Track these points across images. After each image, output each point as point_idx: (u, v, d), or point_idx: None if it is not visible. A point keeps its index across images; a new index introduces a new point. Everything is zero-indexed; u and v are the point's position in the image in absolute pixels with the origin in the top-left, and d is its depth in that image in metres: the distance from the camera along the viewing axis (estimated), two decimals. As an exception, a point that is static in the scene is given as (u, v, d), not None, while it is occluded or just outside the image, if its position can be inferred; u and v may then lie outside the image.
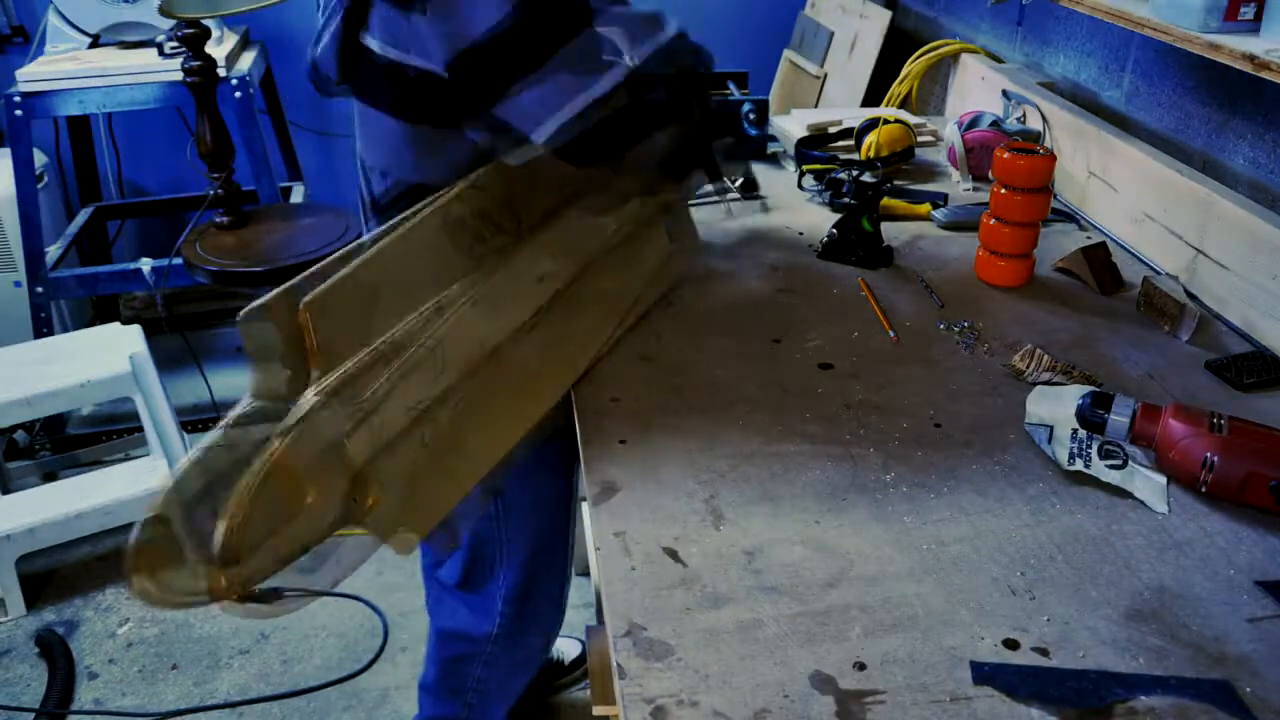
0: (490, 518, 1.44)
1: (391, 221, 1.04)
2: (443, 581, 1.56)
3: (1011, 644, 0.85)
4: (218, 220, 2.44)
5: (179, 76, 2.34)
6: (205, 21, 2.26)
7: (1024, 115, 1.94)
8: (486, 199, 1.10)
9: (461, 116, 1.11)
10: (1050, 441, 1.09)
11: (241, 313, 0.92)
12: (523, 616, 1.55)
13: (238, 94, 2.56)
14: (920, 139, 2.01)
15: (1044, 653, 0.84)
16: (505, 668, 1.60)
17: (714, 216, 1.71)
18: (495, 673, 1.60)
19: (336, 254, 0.98)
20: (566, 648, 2.10)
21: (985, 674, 0.82)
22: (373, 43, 1.13)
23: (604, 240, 1.26)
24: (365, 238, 1.03)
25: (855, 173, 1.74)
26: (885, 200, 1.70)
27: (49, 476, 2.66)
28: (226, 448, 0.89)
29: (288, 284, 0.93)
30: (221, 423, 0.91)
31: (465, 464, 1.07)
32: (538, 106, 1.03)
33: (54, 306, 2.74)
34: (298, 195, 3.06)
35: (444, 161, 1.14)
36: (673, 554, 0.96)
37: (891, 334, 1.34)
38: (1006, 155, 1.44)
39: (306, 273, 0.95)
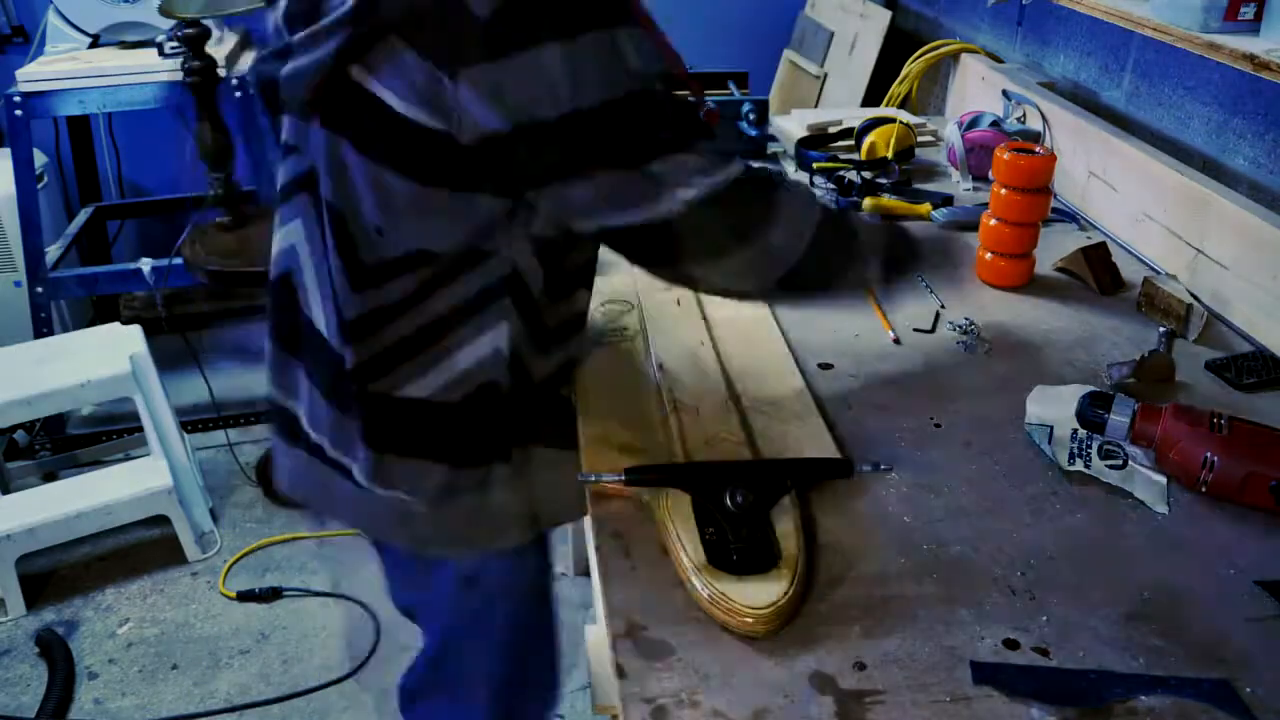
0: (465, 613, 1.25)
1: None
2: (415, 689, 1.37)
3: (1011, 644, 0.85)
4: (218, 220, 2.44)
5: (179, 76, 2.34)
6: (205, 21, 2.26)
7: (1024, 115, 1.94)
8: None
9: (487, 182, 0.96)
10: (1050, 441, 1.09)
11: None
12: (515, 713, 1.35)
13: (238, 94, 2.56)
14: (920, 139, 2.01)
15: (1044, 653, 0.84)
16: None
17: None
18: None
19: None
20: None
21: (985, 674, 0.81)
22: (388, 96, 0.92)
23: None
24: None
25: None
26: (885, 200, 1.70)
27: (49, 476, 2.66)
28: None
29: None
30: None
31: None
32: (586, 206, 0.95)
33: (54, 306, 2.74)
34: (298, 195, 3.05)
35: (458, 226, 0.98)
36: (673, 554, 0.95)
37: (891, 334, 1.34)
38: (1006, 155, 1.44)
39: None
